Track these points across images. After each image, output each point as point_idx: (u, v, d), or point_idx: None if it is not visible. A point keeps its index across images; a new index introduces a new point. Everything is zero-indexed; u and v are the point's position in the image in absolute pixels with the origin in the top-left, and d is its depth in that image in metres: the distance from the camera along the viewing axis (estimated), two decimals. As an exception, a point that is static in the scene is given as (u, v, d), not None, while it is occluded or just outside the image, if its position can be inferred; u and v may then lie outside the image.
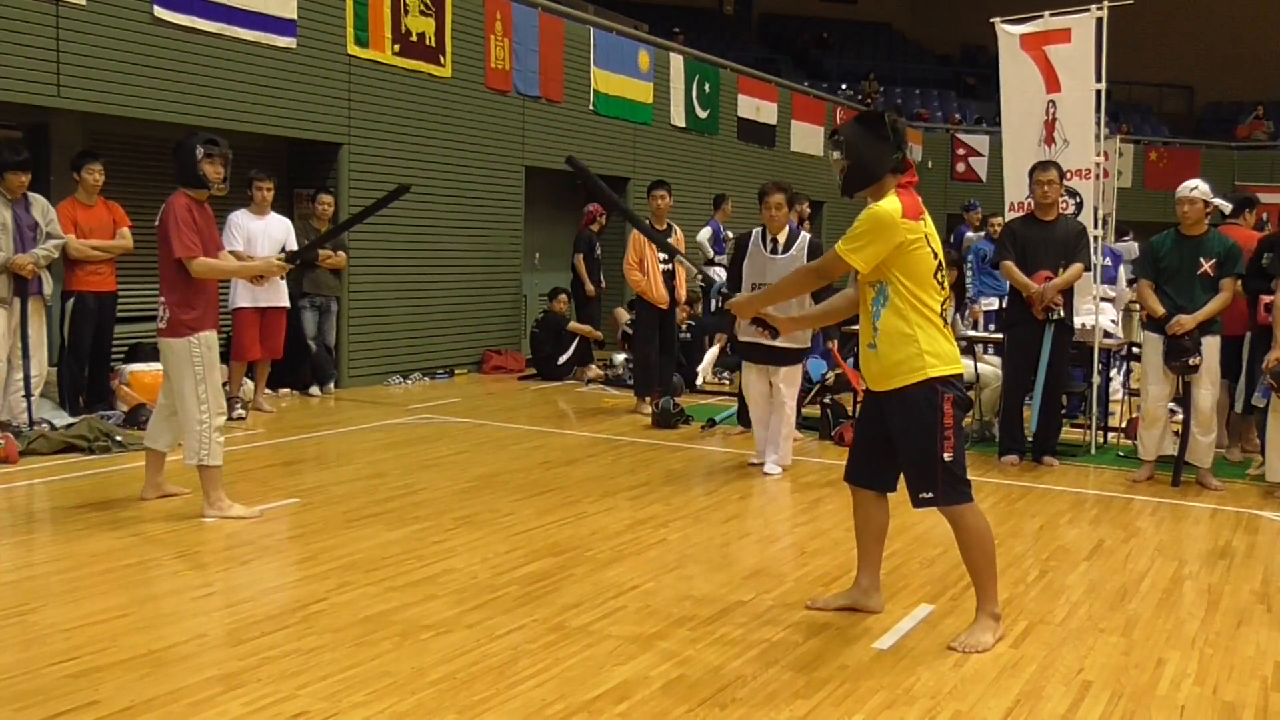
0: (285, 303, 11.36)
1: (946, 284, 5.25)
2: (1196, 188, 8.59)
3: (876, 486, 5.43)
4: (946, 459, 5.02)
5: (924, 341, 5.05)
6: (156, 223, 7.20)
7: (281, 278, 7.30)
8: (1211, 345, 8.49)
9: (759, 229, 9.11)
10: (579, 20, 16.75)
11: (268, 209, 11.23)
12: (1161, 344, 8.53)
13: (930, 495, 5.09)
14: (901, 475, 5.26)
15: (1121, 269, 11.95)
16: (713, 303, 15.32)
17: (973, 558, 5.14)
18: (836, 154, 5.29)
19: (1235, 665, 4.95)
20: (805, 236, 9.06)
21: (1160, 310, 8.52)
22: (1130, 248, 15.13)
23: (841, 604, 5.56)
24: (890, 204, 5.03)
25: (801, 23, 36.51)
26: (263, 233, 11.12)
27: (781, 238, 8.97)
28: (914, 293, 5.09)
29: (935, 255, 5.18)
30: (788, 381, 8.95)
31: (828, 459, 9.48)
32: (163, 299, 7.16)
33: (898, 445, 5.16)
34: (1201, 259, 8.47)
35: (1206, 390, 8.51)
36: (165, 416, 7.31)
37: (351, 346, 12.95)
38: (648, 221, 11.77)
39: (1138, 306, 9.43)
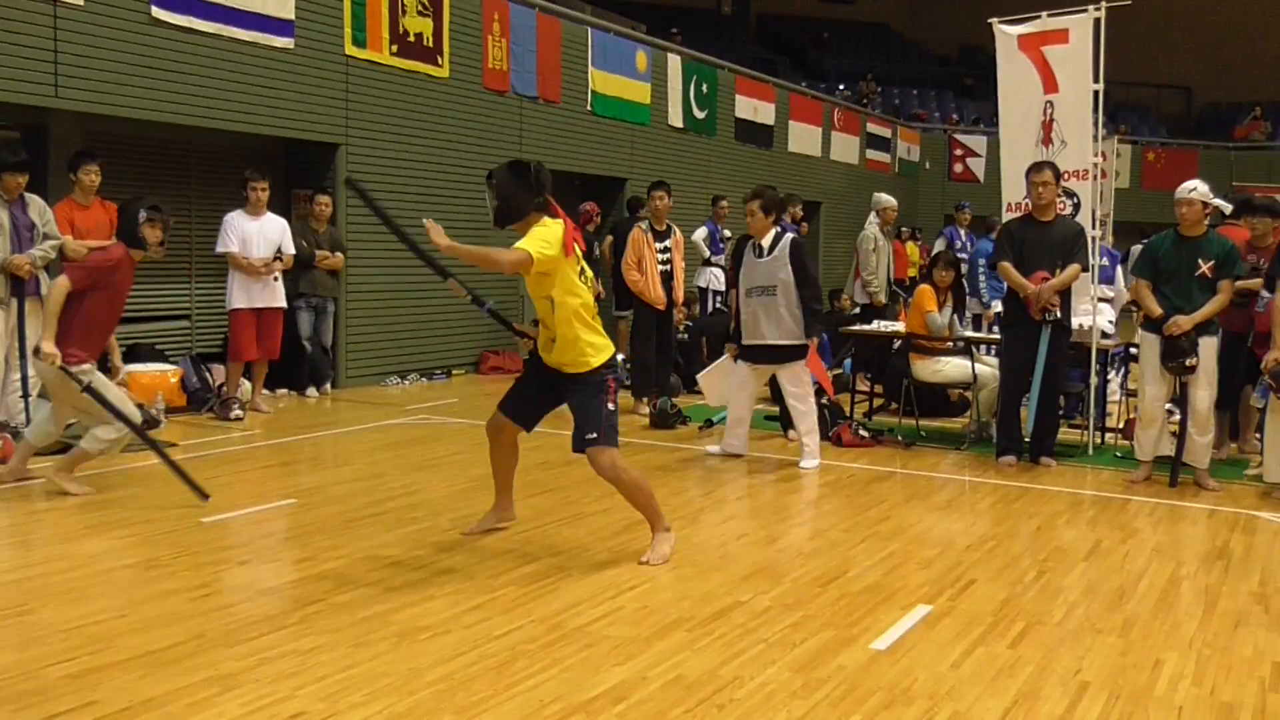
0: (282, 303, 11.36)
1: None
2: (1195, 189, 8.59)
3: (523, 425, 6.63)
4: (610, 409, 6.28)
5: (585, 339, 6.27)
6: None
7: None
8: (1209, 346, 8.49)
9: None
10: (576, 21, 16.74)
11: (263, 209, 11.23)
12: (1159, 344, 8.53)
13: (594, 436, 6.21)
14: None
15: (1119, 270, 11.94)
16: (709, 304, 15.35)
17: (634, 497, 6.40)
18: (489, 193, 6.25)
19: (1233, 666, 4.95)
20: (788, 237, 9.15)
21: (1158, 311, 8.53)
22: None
23: (487, 526, 6.82)
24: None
25: (799, 23, 36.53)
26: (258, 233, 11.13)
27: (765, 241, 9.09)
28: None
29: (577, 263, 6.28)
30: (792, 381, 9.05)
31: (825, 459, 9.48)
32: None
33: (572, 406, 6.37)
34: (1200, 260, 8.48)
35: (1204, 391, 8.51)
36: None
37: (349, 347, 12.95)
38: (646, 222, 11.77)
39: (1135, 307, 9.42)
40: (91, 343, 7.56)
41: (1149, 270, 8.72)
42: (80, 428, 8.96)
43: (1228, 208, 10.13)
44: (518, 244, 5.98)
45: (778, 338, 9.02)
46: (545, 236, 6.01)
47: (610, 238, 15.16)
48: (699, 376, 9.82)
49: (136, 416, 7.67)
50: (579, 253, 6.26)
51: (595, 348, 6.25)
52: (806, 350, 9.02)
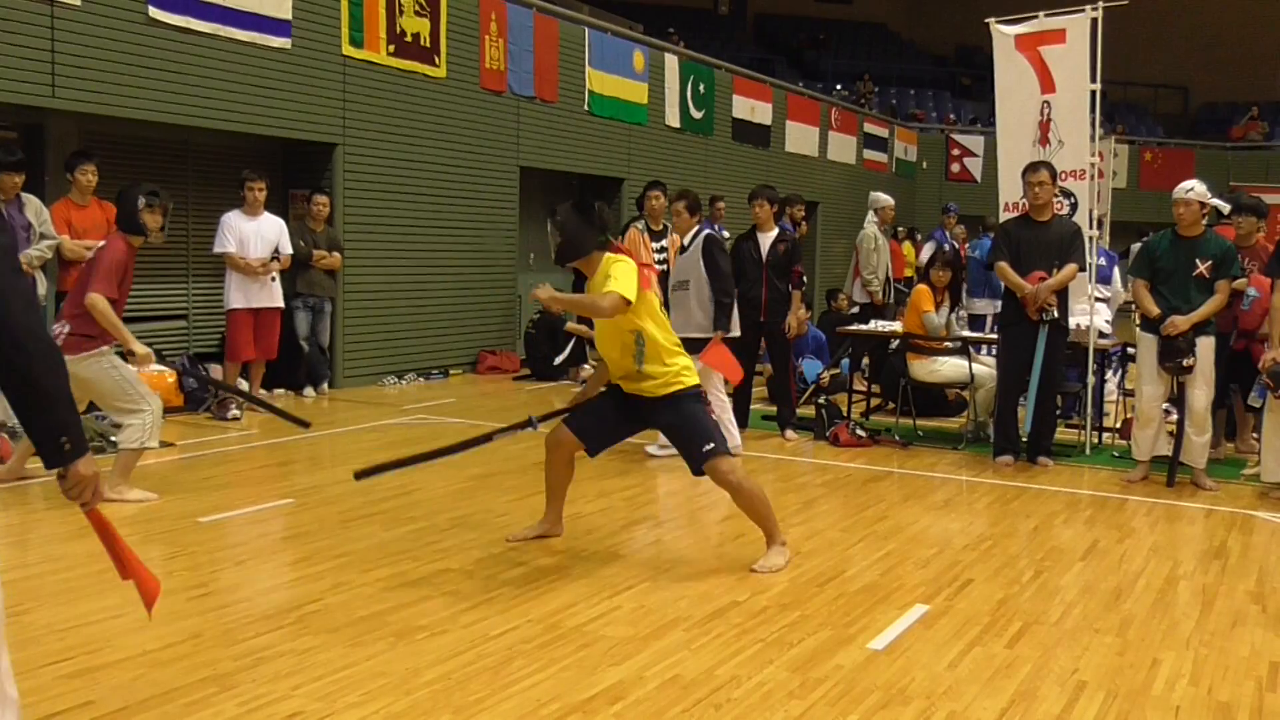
0: (279, 303, 11.36)
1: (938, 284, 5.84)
2: (1192, 189, 8.60)
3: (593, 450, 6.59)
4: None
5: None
6: (90, 254, 7.75)
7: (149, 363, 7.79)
8: (1206, 346, 8.49)
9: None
10: (573, 21, 16.73)
11: (260, 209, 11.23)
12: (1156, 344, 8.54)
13: (710, 449, 6.16)
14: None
15: (1115, 270, 11.95)
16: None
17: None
18: (551, 229, 6.30)
19: (1230, 665, 4.96)
20: (704, 235, 9.48)
21: (1155, 311, 8.54)
22: None
23: (538, 533, 6.72)
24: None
25: (796, 23, 36.52)
26: (255, 233, 11.13)
27: (687, 239, 9.56)
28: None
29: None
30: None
31: (822, 459, 9.49)
32: (64, 320, 7.47)
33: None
34: (1197, 260, 8.48)
35: (1201, 391, 8.52)
36: None
37: (346, 347, 12.94)
38: (644, 222, 11.79)
39: (1133, 306, 9.43)
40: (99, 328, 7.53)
41: (1146, 270, 8.72)
42: (102, 427, 9.01)
43: (1226, 207, 10.13)
44: (607, 287, 6.01)
45: (686, 331, 9.05)
46: (626, 275, 6.04)
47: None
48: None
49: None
50: (654, 284, 6.43)
51: (687, 370, 6.30)
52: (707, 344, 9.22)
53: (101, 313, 7.30)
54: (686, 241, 9.52)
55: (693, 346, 9.04)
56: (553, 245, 6.32)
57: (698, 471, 6.21)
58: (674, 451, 9.17)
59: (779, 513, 7.63)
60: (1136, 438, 8.89)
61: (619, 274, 6.04)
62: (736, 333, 9.53)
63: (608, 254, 6.22)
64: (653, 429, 6.58)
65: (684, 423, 6.23)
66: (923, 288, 10.62)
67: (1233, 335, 9.26)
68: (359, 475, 6.13)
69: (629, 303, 5.98)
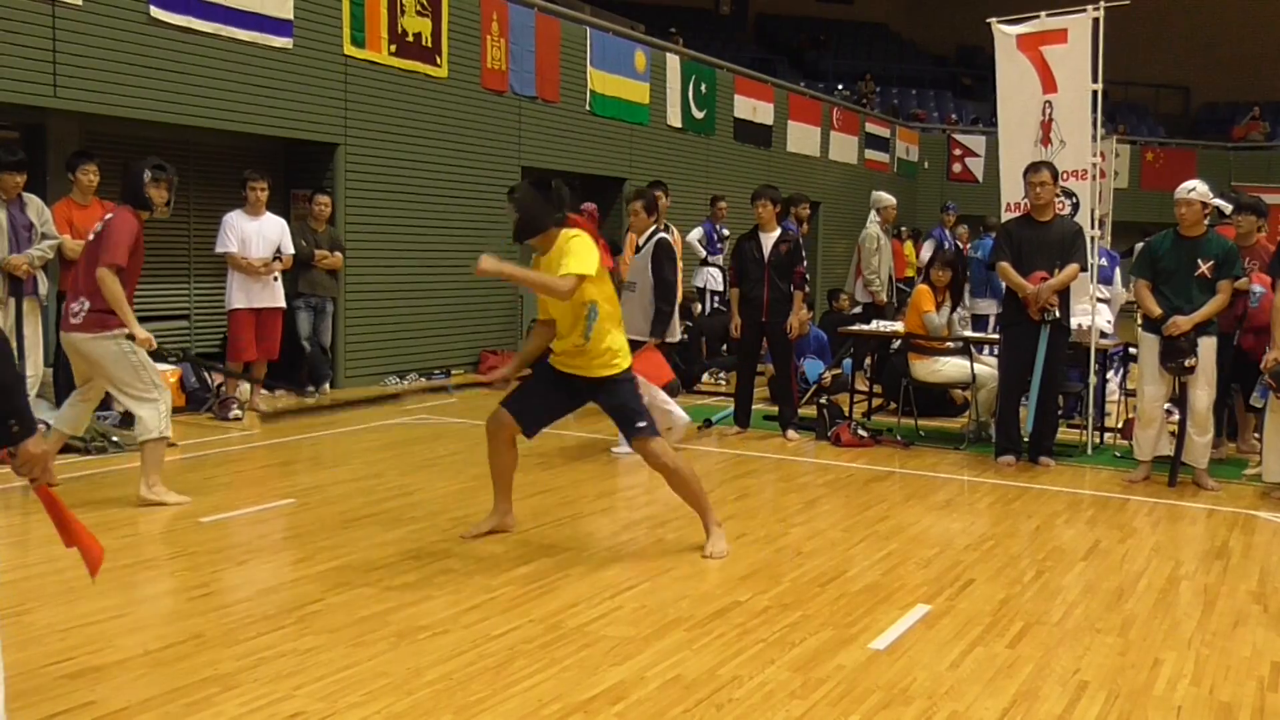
0: (281, 303, 11.35)
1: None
2: (1194, 189, 8.59)
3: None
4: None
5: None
6: (98, 226, 7.54)
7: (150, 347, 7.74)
8: (1207, 346, 8.49)
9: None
10: (575, 20, 16.73)
11: (262, 209, 11.23)
12: (1158, 344, 8.53)
13: (643, 425, 6.42)
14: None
15: (1116, 270, 11.95)
16: (709, 303, 15.36)
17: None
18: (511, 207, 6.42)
19: (1232, 665, 4.95)
20: (658, 238, 9.59)
21: (1157, 311, 8.53)
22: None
23: (489, 527, 6.79)
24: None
25: (798, 23, 36.50)
26: (257, 233, 11.12)
27: (642, 239, 9.68)
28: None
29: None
30: None
31: (823, 459, 9.49)
32: (81, 297, 7.40)
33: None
34: (1199, 260, 8.48)
35: (1203, 391, 8.51)
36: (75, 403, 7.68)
37: (348, 347, 12.94)
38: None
39: (1135, 307, 9.43)
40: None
41: (1148, 270, 8.72)
42: (104, 427, 9.02)
43: (1228, 208, 10.13)
44: (565, 265, 6.13)
45: (626, 333, 9.09)
46: (583, 251, 6.19)
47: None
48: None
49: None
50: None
51: (624, 352, 6.51)
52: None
53: (109, 287, 7.25)
54: (641, 242, 9.61)
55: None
56: (512, 222, 6.46)
57: (630, 442, 6.57)
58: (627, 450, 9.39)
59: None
60: (1138, 438, 8.89)
61: (578, 249, 6.19)
62: (675, 338, 9.82)
63: (565, 229, 6.33)
64: (589, 405, 6.75)
65: (622, 403, 6.50)
66: (923, 288, 10.62)
67: (1236, 335, 9.26)
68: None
69: (580, 280, 6.14)
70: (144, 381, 7.43)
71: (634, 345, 9.01)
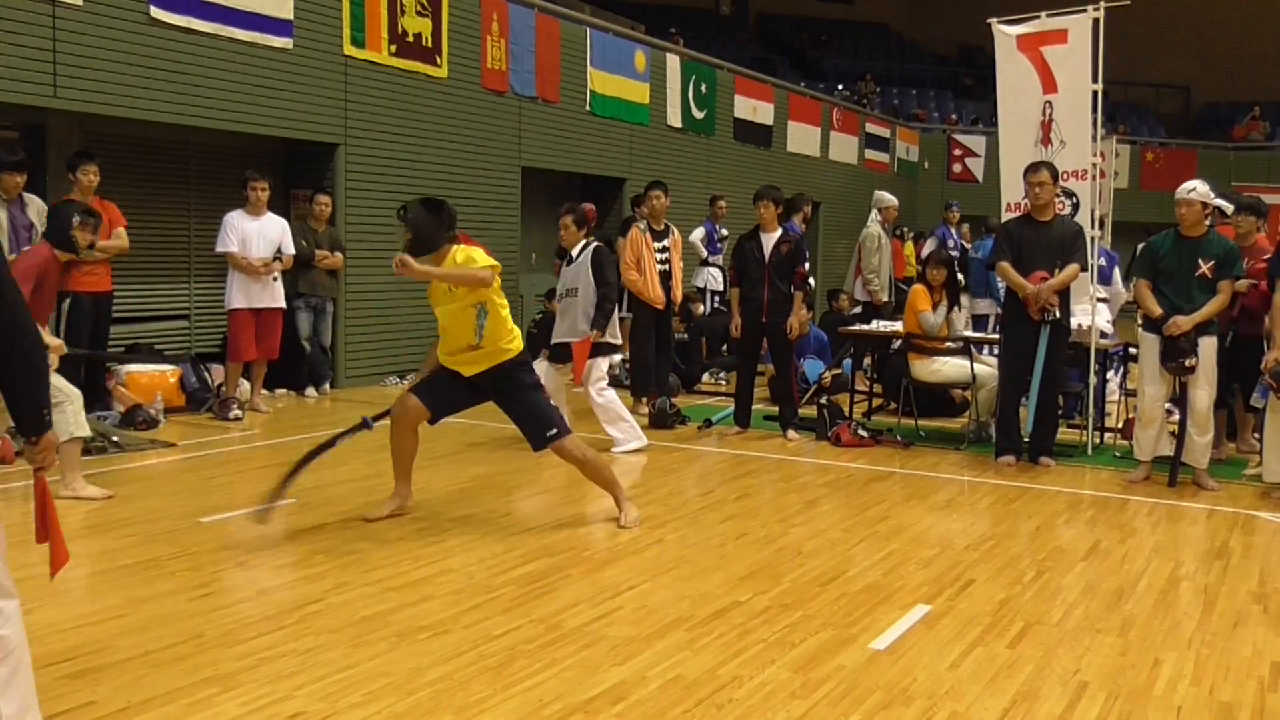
0: (281, 304, 11.35)
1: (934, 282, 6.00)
2: (1195, 189, 8.59)
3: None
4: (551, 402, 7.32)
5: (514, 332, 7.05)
6: (13, 256, 8.14)
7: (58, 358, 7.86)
8: (1208, 346, 8.49)
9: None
10: (575, 21, 16.73)
11: (263, 209, 11.23)
12: (1158, 344, 8.53)
13: (554, 433, 6.95)
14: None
15: (1116, 270, 11.94)
16: (709, 303, 15.36)
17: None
18: (401, 227, 6.89)
19: (1232, 666, 4.95)
20: (591, 247, 9.69)
21: (1158, 311, 8.53)
22: None
23: (390, 511, 7.16)
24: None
25: (798, 23, 36.52)
26: (258, 233, 11.12)
27: (574, 251, 9.76)
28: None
29: None
30: (585, 380, 9.57)
31: (824, 459, 9.49)
32: None
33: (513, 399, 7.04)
34: (1200, 260, 8.48)
35: (1203, 391, 8.51)
36: None
37: (348, 347, 12.94)
38: (646, 222, 11.79)
39: (1135, 307, 9.43)
40: None
41: (1149, 270, 8.72)
42: (105, 427, 9.01)
43: (1229, 208, 10.13)
44: (478, 265, 6.70)
45: (570, 336, 9.58)
46: (483, 255, 6.78)
47: (621, 239, 15.19)
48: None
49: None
50: None
51: (515, 335, 7.00)
52: (598, 349, 9.61)
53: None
54: (575, 254, 9.69)
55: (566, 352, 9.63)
56: (402, 241, 6.85)
57: (539, 450, 7.04)
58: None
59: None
60: (1139, 438, 8.89)
61: (478, 256, 6.76)
62: (616, 340, 9.87)
63: (457, 245, 6.86)
64: (495, 405, 7.15)
65: (526, 410, 6.98)
66: (919, 287, 10.62)
67: (1230, 336, 9.24)
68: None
69: (497, 269, 6.71)
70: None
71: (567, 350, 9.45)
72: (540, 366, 9.39)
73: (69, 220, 7.79)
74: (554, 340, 9.79)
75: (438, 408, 7.10)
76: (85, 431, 7.59)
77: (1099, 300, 10.37)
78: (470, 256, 6.76)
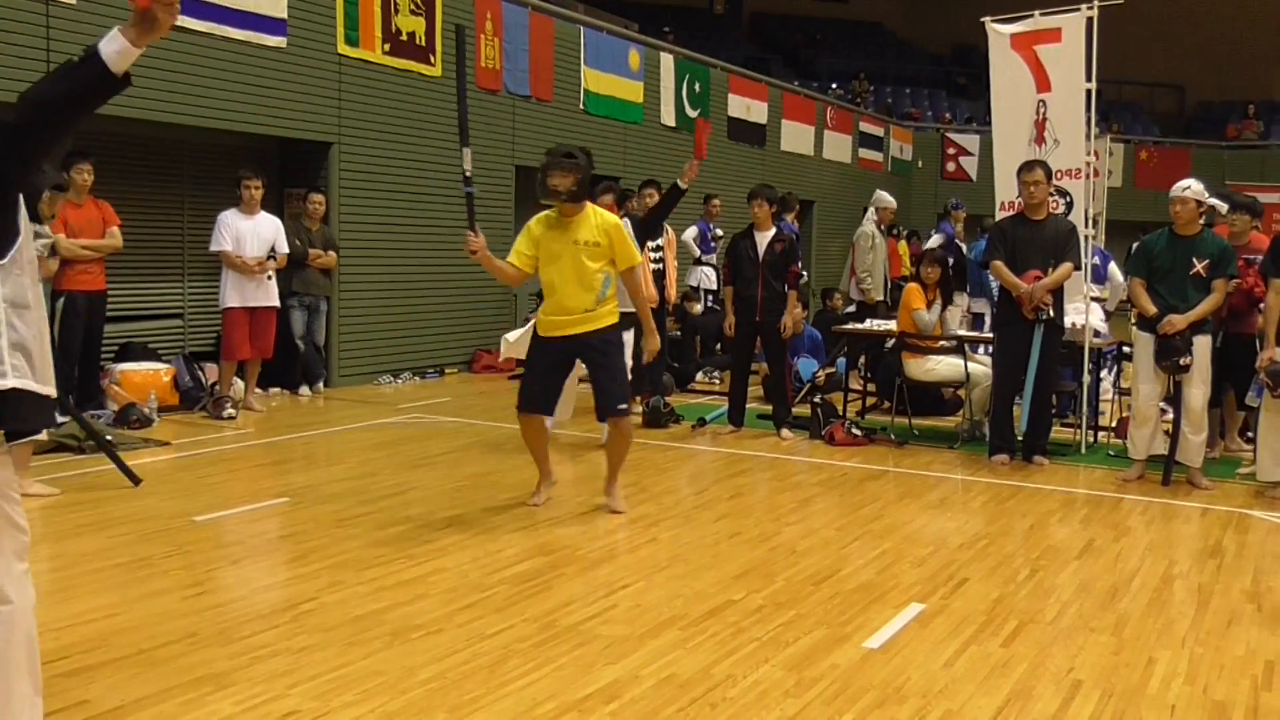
0: (275, 302, 11.34)
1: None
2: (1189, 188, 8.60)
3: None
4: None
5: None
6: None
7: None
8: (1202, 345, 8.50)
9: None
10: (569, 19, 16.73)
11: (257, 208, 11.21)
12: (1153, 343, 8.54)
13: (624, 406, 7.27)
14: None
15: (1111, 265, 11.93)
16: (703, 301, 15.35)
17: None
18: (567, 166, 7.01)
19: (1225, 664, 4.96)
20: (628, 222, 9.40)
21: (1152, 310, 8.54)
22: None
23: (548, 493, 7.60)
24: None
25: (792, 22, 36.52)
26: (251, 232, 11.11)
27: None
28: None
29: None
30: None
31: (817, 458, 9.49)
32: None
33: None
34: (1194, 259, 8.49)
35: (1198, 390, 8.52)
36: None
37: (341, 346, 12.93)
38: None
39: (1130, 305, 9.43)
40: None
41: (1143, 269, 8.73)
42: (77, 428, 8.99)
43: (1224, 207, 10.14)
44: (628, 260, 7.21)
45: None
46: (630, 238, 7.32)
47: None
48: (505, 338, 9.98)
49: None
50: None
51: (616, 304, 7.28)
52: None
53: None
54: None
55: None
56: (557, 180, 6.98)
57: (608, 416, 7.28)
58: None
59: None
60: (1133, 437, 8.90)
61: (627, 236, 7.27)
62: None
63: (590, 205, 7.23)
64: (580, 364, 7.49)
65: (616, 373, 7.23)
66: (913, 286, 10.62)
67: (1220, 336, 9.24)
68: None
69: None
70: None
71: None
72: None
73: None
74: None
75: (548, 403, 7.39)
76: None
77: (1093, 300, 10.38)
78: (607, 219, 7.14)
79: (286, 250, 11.41)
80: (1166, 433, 8.93)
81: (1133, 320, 9.13)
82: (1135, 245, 9.57)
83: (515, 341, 9.54)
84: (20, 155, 3.51)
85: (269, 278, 11.24)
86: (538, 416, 7.42)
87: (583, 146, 7.28)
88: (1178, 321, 8.38)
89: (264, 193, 11.38)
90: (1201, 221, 8.68)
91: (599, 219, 7.13)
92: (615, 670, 4.67)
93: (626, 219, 9.36)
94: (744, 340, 10.49)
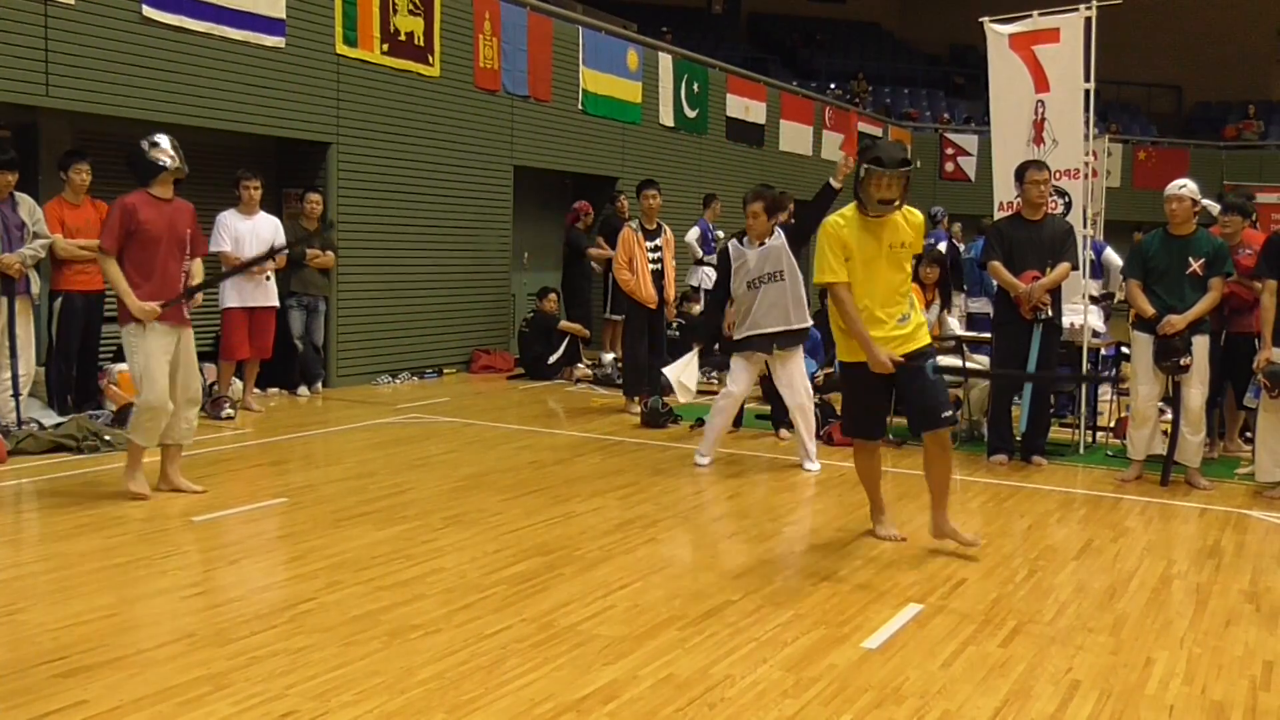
0: (274, 303, 11.34)
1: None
2: (1185, 185, 8.62)
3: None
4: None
5: None
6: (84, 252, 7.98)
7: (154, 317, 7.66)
8: (1200, 345, 8.50)
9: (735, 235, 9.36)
10: (567, 20, 16.74)
11: (256, 208, 11.21)
12: (1151, 344, 8.55)
13: (948, 415, 6.63)
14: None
15: (1108, 251, 11.88)
16: (704, 302, 15.34)
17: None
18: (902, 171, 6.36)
19: (1224, 664, 4.96)
20: (781, 229, 9.09)
21: (1150, 310, 8.54)
22: None
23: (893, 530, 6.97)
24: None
25: (790, 22, 36.55)
26: (250, 232, 11.10)
27: (768, 239, 9.00)
28: None
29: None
30: (798, 371, 9.10)
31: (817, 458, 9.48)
32: None
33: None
34: (1190, 258, 8.49)
35: (1196, 390, 8.52)
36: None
37: (340, 346, 12.93)
38: (638, 221, 11.76)
39: (1127, 306, 9.43)
40: (156, 293, 7.42)
41: (1139, 270, 8.73)
42: (75, 428, 8.99)
43: (1215, 208, 10.14)
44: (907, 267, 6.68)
45: (776, 324, 8.98)
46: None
47: (599, 237, 15.23)
48: (675, 377, 9.60)
49: (156, 392, 7.38)
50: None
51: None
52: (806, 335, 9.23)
53: (102, 268, 7.50)
54: (771, 241, 8.98)
55: (797, 337, 9.05)
56: (893, 190, 6.37)
57: (931, 429, 6.57)
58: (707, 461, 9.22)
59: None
60: (1132, 437, 8.90)
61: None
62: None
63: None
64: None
65: (933, 383, 6.55)
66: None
67: (1223, 334, 9.25)
68: None
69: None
70: (138, 381, 7.44)
71: (781, 336, 8.91)
72: (737, 363, 9.23)
73: (140, 150, 7.45)
74: (762, 331, 8.97)
75: (881, 426, 7.04)
76: (144, 441, 7.42)
77: (1092, 298, 10.37)
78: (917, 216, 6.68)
79: (286, 250, 11.39)
80: (1164, 433, 8.94)
81: (1130, 321, 9.13)
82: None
83: (686, 378, 9.44)
84: None
85: (268, 278, 11.24)
86: (874, 443, 6.95)
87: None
88: (1177, 322, 8.38)
89: (262, 193, 11.37)
90: (1196, 221, 8.68)
91: (912, 219, 6.63)
92: (613, 670, 4.66)
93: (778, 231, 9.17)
94: (692, 341, 10.45)
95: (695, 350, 9.52)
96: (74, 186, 9.93)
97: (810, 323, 9.31)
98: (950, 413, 6.62)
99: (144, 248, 7.41)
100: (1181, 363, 8.40)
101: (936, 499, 6.62)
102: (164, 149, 7.46)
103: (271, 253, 10.48)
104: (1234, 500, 8.31)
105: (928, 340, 6.69)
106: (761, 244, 8.97)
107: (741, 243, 9.11)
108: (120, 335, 7.56)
